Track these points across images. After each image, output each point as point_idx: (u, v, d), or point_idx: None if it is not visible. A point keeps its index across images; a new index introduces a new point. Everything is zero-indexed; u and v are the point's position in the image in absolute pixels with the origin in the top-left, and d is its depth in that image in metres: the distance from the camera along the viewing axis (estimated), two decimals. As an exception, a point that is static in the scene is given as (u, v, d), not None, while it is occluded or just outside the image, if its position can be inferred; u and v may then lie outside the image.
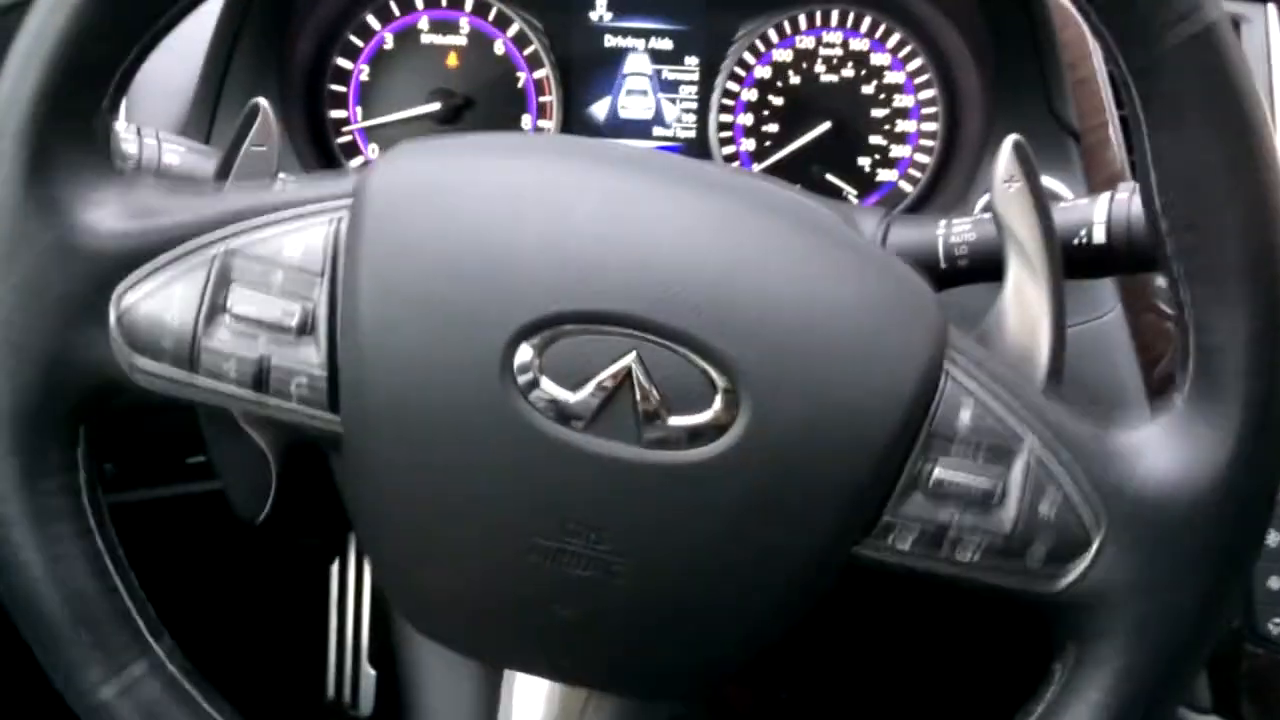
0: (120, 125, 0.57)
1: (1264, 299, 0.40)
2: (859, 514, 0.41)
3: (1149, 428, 0.43)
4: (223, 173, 0.51)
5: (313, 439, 0.44)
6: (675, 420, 0.40)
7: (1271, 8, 0.74)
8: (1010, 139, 0.48)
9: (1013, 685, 0.47)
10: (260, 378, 0.42)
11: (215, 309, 0.42)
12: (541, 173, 0.42)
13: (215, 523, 0.68)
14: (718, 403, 0.40)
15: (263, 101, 0.51)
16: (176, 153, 0.57)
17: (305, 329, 0.42)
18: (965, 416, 0.41)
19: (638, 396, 0.40)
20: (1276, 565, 0.66)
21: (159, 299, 0.42)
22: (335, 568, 1.21)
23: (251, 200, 0.43)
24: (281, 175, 0.61)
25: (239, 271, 0.42)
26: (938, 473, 0.41)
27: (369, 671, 1.21)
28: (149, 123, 0.64)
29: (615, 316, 0.40)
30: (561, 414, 0.40)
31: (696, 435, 0.40)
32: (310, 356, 0.42)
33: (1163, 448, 0.42)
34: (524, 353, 0.40)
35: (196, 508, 0.69)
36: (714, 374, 0.40)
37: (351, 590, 1.22)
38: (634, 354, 0.40)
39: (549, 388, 0.40)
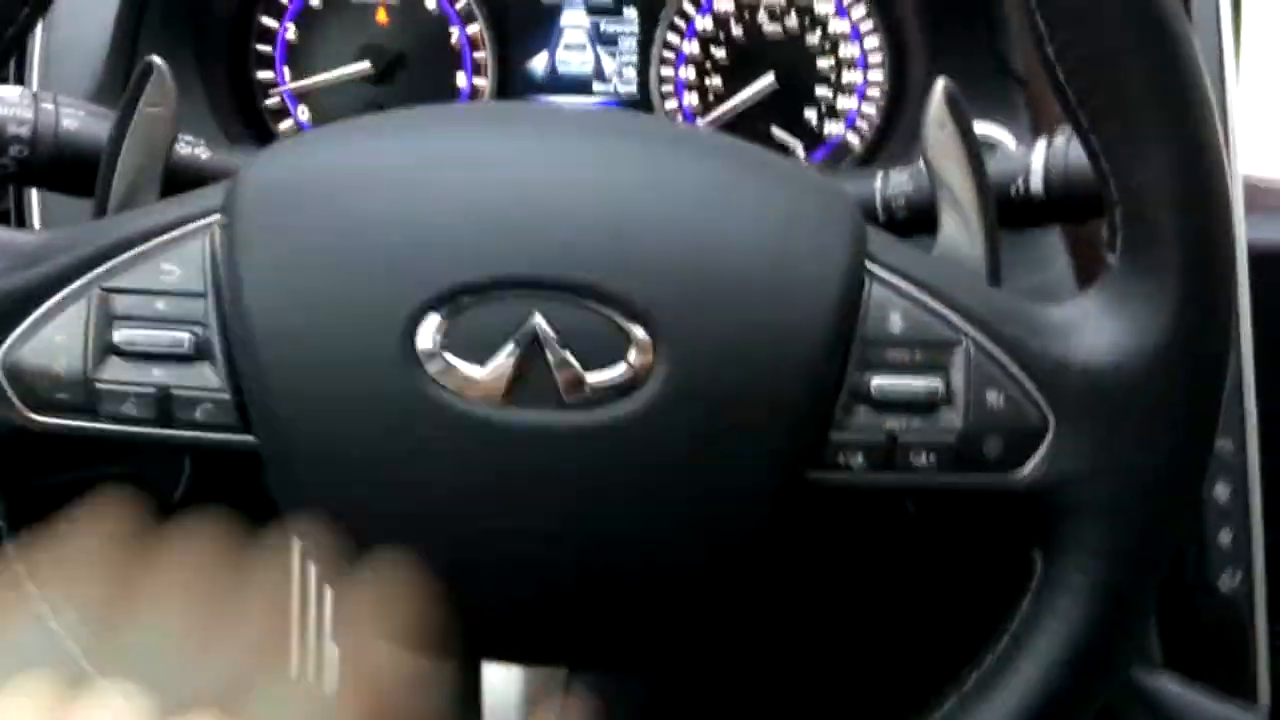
0: (13, 91, 0.54)
1: (1177, 124, 0.38)
2: (803, 438, 0.40)
3: (1087, 297, 0.41)
4: (117, 136, 0.49)
5: (231, 458, 0.43)
6: (594, 377, 0.39)
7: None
8: (940, 82, 0.47)
9: (993, 591, 0.45)
10: (164, 410, 0.40)
11: (103, 349, 0.40)
12: (408, 148, 0.40)
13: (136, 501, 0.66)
14: (634, 352, 0.38)
15: (157, 60, 0.48)
16: (75, 117, 0.55)
17: (200, 352, 0.40)
18: (896, 318, 0.40)
19: (550, 359, 0.38)
20: (1227, 520, 0.65)
21: (44, 350, 0.40)
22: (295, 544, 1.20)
23: (120, 231, 0.41)
24: (185, 138, 0.58)
25: (120, 306, 0.40)
26: (877, 381, 0.40)
27: (332, 649, 1.20)
28: (61, 87, 0.61)
29: (509, 280, 0.38)
30: (475, 390, 0.39)
31: (618, 388, 0.39)
32: (210, 379, 0.40)
33: (1104, 315, 0.40)
34: (425, 334, 0.38)
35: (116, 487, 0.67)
36: (623, 321, 0.38)
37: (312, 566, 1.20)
38: (539, 315, 0.38)
39: (458, 365, 0.38)
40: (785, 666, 0.69)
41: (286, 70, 0.79)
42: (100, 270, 0.40)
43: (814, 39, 0.80)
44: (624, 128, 0.42)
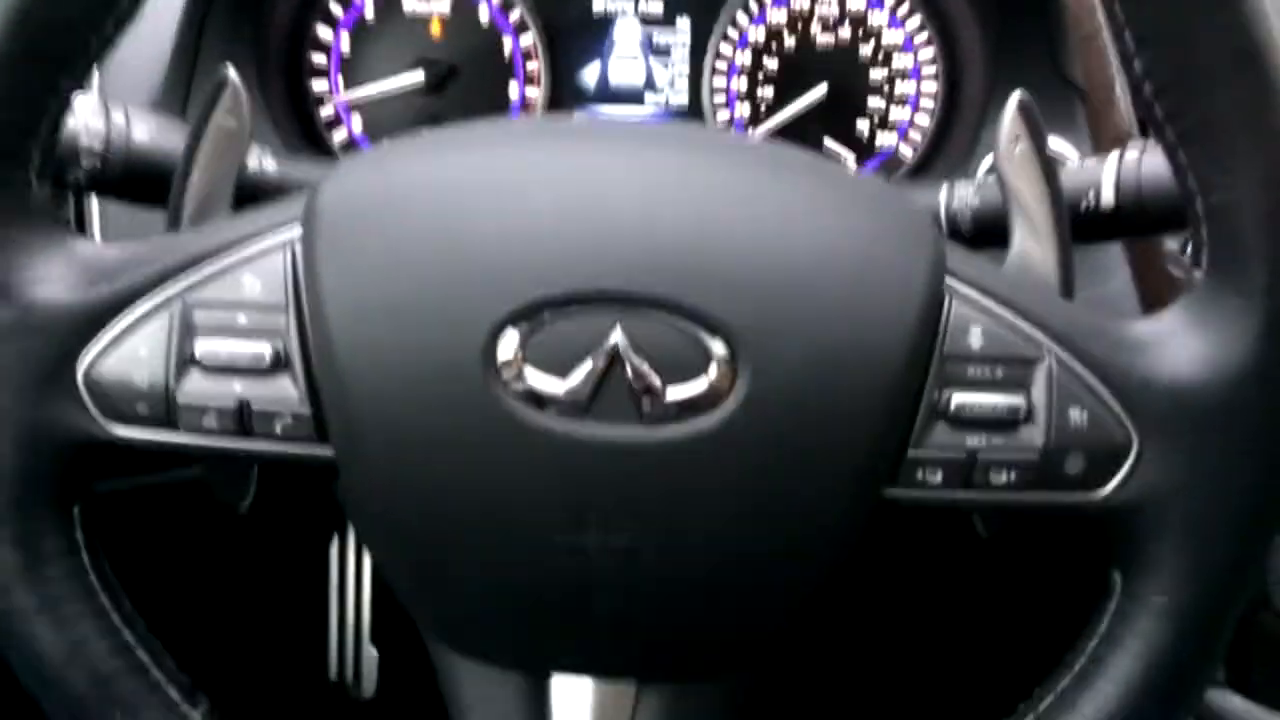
0: (88, 101, 0.55)
1: (1266, 145, 0.37)
2: (882, 455, 0.40)
3: (1172, 312, 0.41)
4: (192, 147, 0.49)
5: (308, 470, 0.43)
6: (674, 392, 0.38)
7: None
8: (1015, 96, 0.46)
9: (1065, 612, 0.45)
10: (243, 423, 0.40)
11: (184, 362, 0.40)
12: (489, 162, 0.40)
13: (205, 509, 0.66)
14: (714, 367, 0.38)
15: (231, 72, 0.48)
16: (146, 129, 0.55)
17: (279, 365, 0.40)
18: (976, 334, 0.40)
19: (629, 374, 0.38)
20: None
21: (125, 362, 0.40)
22: (334, 547, 1.20)
23: (201, 244, 0.41)
24: (256, 149, 0.59)
25: (201, 319, 0.40)
26: (958, 398, 0.40)
27: (371, 652, 1.20)
28: (123, 97, 0.62)
29: (590, 294, 0.38)
30: (556, 404, 0.39)
31: (698, 404, 0.38)
32: (289, 392, 0.40)
33: (1189, 331, 0.40)
34: (506, 348, 0.38)
35: (187, 494, 0.68)
36: (704, 337, 0.38)
37: (351, 569, 1.20)
38: (619, 329, 0.38)
39: (538, 380, 0.38)
40: (858, 683, 0.69)
41: (340, 80, 0.79)
42: (182, 283, 0.41)
43: (867, 50, 0.79)
44: (704, 143, 0.42)
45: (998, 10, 0.73)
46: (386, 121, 0.80)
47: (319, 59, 0.79)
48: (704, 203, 0.39)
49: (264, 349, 0.40)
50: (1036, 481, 0.40)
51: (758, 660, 0.46)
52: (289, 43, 0.78)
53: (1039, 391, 0.40)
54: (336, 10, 0.78)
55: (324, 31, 0.79)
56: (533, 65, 0.80)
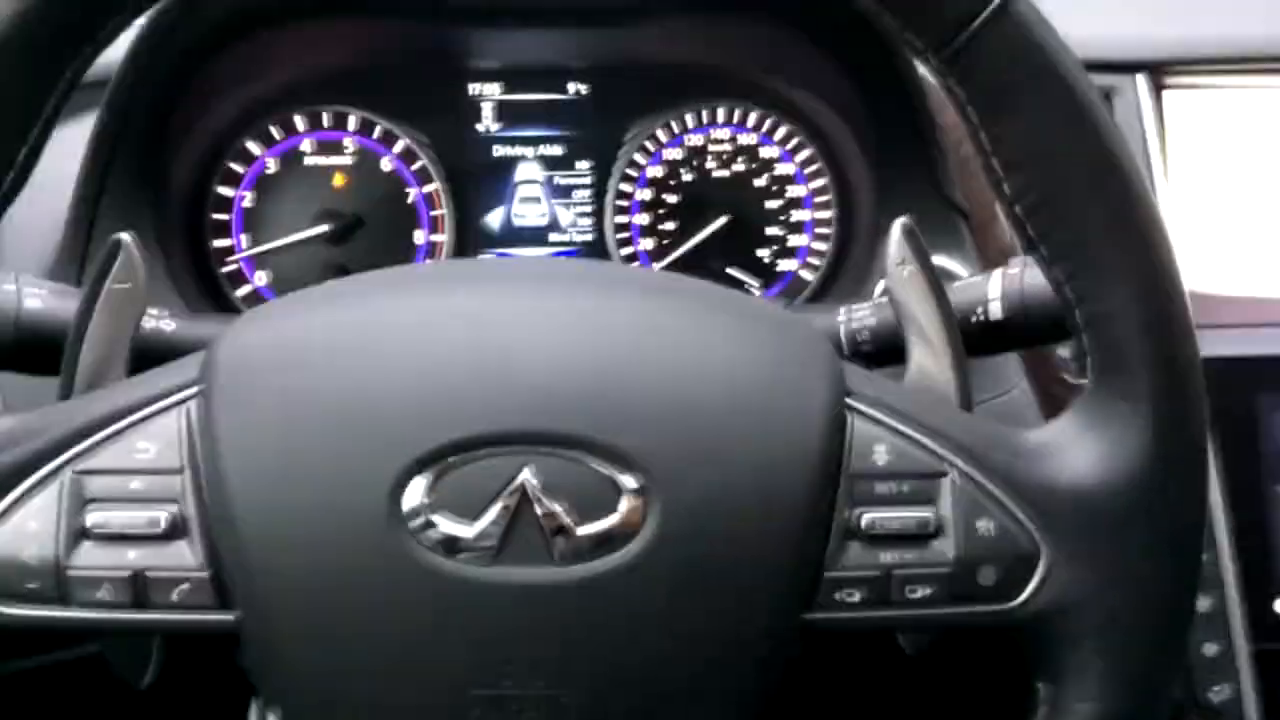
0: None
1: (1136, 251, 0.39)
2: (799, 578, 0.40)
3: (1065, 418, 0.42)
4: (84, 314, 0.48)
5: (209, 641, 0.41)
6: (585, 529, 0.38)
7: (1141, 78, 0.76)
8: (899, 222, 0.48)
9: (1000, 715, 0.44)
10: (139, 594, 0.39)
11: (75, 533, 0.39)
12: (386, 310, 0.41)
13: (107, 686, 0.63)
14: (625, 501, 0.38)
15: (125, 237, 0.48)
16: (38, 296, 0.54)
17: (175, 530, 0.39)
18: (881, 452, 0.40)
19: (540, 513, 0.38)
20: (1208, 632, 0.65)
21: (13, 538, 0.39)
22: None
23: (91, 411, 0.40)
24: (152, 311, 0.58)
25: (93, 488, 0.39)
26: (868, 516, 0.40)
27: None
28: (16, 264, 0.61)
29: (496, 436, 0.38)
30: (466, 550, 0.38)
31: (611, 539, 0.38)
32: (187, 558, 0.39)
33: (1084, 437, 0.41)
34: (412, 496, 0.38)
35: (83, 672, 0.64)
36: (614, 472, 0.38)
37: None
38: (527, 470, 0.38)
39: (447, 525, 0.38)
40: None
41: (245, 237, 0.80)
42: (72, 453, 0.39)
43: (762, 181, 0.82)
44: (602, 277, 0.43)
45: (880, 141, 0.77)
46: (292, 274, 0.80)
47: (221, 216, 0.79)
48: (606, 337, 0.39)
49: (159, 514, 0.39)
50: (952, 594, 0.40)
51: None
52: (190, 202, 0.78)
53: (946, 505, 0.40)
54: (238, 168, 0.79)
55: (225, 189, 0.79)
56: (437, 212, 0.81)
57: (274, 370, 0.39)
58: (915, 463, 0.40)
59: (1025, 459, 0.41)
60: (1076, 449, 0.41)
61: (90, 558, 0.39)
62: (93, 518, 0.39)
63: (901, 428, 0.41)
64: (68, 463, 0.39)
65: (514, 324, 0.40)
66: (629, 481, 0.38)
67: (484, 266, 0.44)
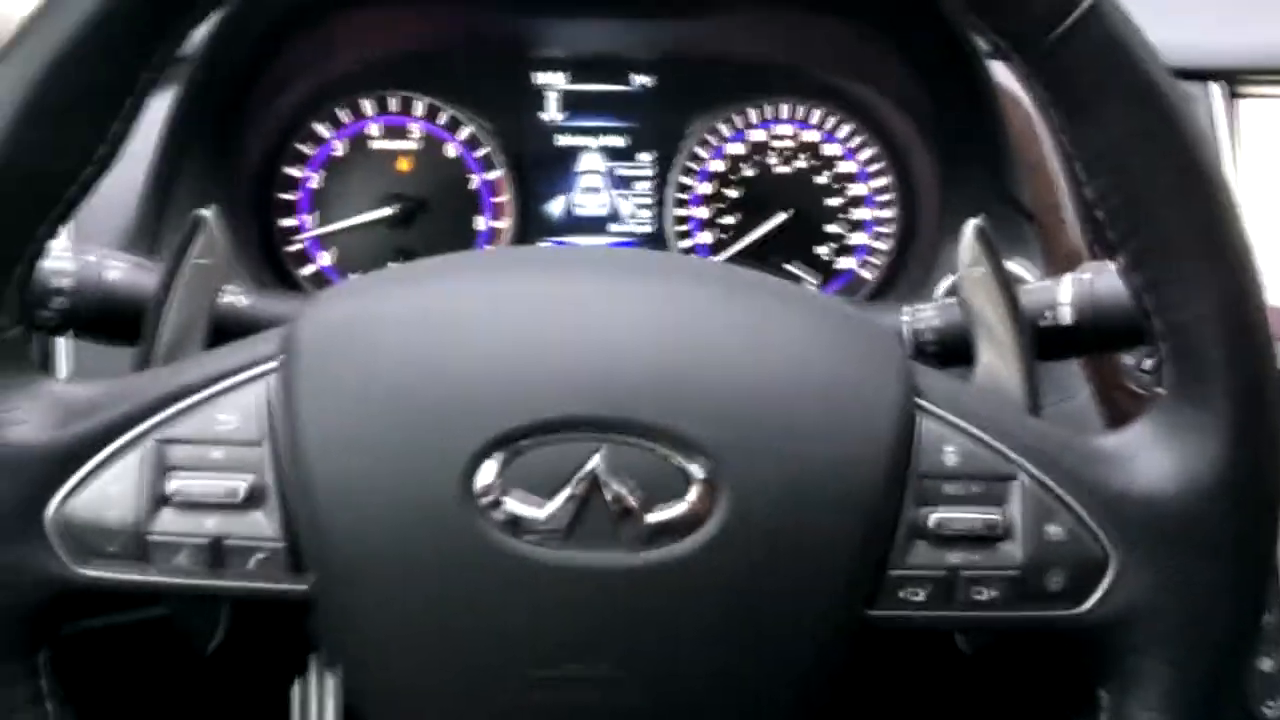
0: (58, 243, 0.55)
1: (1220, 261, 0.38)
2: (862, 574, 0.40)
3: (1140, 425, 0.41)
4: (166, 286, 0.49)
5: (280, 608, 0.42)
6: (653, 516, 0.38)
7: (1215, 87, 0.75)
8: (972, 223, 0.48)
9: None
10: (216, 560, 0.40)
11: (157, 500, 0.40)
12: (468, 292, 0.41)
13: (168, 650, 0.64)
14: (694, 490, 0.38)
15: (207, 213, 0.49)
16: (118, 269, 0.55)
17: (254, 500, 0.40)
18: (950, 453, 0.40)
19: (609, 499, 0.38)
20: (1268, 647, 0.64)
21: (96, 502, 0.40)
22: (296, 691, 1.16)
23: (175, 380, 0.41)
24: (229, 288, 0.59)
25: (174, 456, 0.40)
26: (935, 516, 0.40)
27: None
28: (94, 237, 0.62)
29: (569, 421, 0.38)
30: (535, 532, 0.38)
31: (678, 527, 0.38)
32: (264, 527, 0.40)
33: (1157, 443, 0.40)
34: (484, 476, 0.38)
35: (149, 635, 0.66)
36: (684, 460, 0.38)
37: (314, 714, 1.16)
38: (598, 455, 0.38)
39: (516, 507, 0.38)
40: None
41: (311, 217, 0.81)
42: (155, 420, 0.40)
43: (823, 179, 0.82)
44: (676, 268, 0.43)
45: (948, 141, 0.76)
46: (356, 255, 0.81)
47: (288, 196, 0.80)
48: (680, 327, 0.40)
49: (238, 484, 0.40)
50: (1018, 598, 0.40)
51: None
52: (259, 181, 0.80)
53: (1015, 508, 0.40)
54: (306, 149, 0.80)
55: (293, 170, 0.80)
56: (499, 199, 0.82)
57: (354, 347, 0.40)
58: (985, 464, 0.40)
59: (1097, 464, 0.41)
60: (1150, 456, 0.40)
61: (170, 524, 0.40)
62: (173, 485, 0.40)
63: (971, 429, 0.41)
64: (150, 430, 0.40)
65: (591, 310, 0.40)
66: (698, 471, 0.38)
67: (560, 253, 0.44)
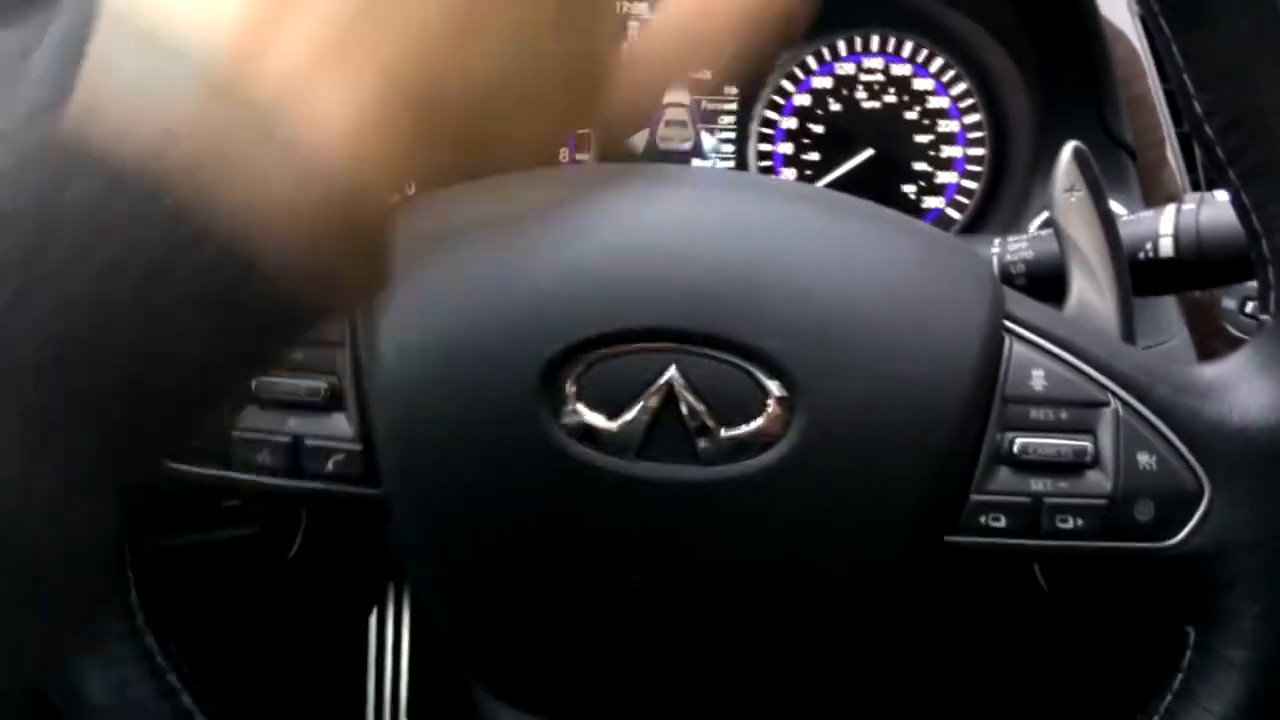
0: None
1: None
2: (943, 498, 0.39)
3: (1241, 355, 0.40)
4: None
5: (356, 512, 0.42)
6: (728, 431, 0.38)
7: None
8: (1070, 145, 0.46)
9: (1135, 670, 0.43)
10: (296, 460, 0.40)
11: (240, 397, 0.40)
12: (545, 203, 0.41)
13: (249, 570, 0.66)
14: (771, 405, 0.38)
15: None
16: None
17: (334, 401, 0.40)
18: (1039, 377, 0.39)
19: (685, 412, 0.38)
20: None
21: None
22: (373, 618, 1.19)
23: None
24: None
25: None
26: (1021, 442, 0.39)
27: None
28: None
29: (644, 331, 0.38)
30: (609, 443, 0.38)
31: (753, 443, 0.38)
32: (343, 429, 0.40)
33: (1259, 375, 0.39)
34: (561, 383, 0.38)
35: (229, 554, 0.68)
36: (759, 376, 0.38)
37: (390, 641, 1.19)
38: (674, 368, 0.38)
39: (592, 417, 0.38)
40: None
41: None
42: None
43: (912, 115, 0.80)
44: (760, 186, 0.43)
45: (1045, 74, 0.74)
46: (437, 186, 0.81)
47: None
48: (760, 241, 0.39)
49: (319, 385, 0.40)
50: (1105, 529, 0.39)
51: (818, 705, 0.44)
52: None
53: (1105, 436, 0.39)
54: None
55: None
56: (583, 130, 0.81)
57: (433, 255, 0.40)
58: (1075, 390, 0.39)
59: (1193, 395, 0.39)
60: (1249, 387, 0.39)
61: (254, 421, 0.40)
62: (259, 382, 0.40)
63: (1062, 354, 0.39)
64: None
65: (668, 222, 0.39)
66: (775, 386, 0.38)
67: (643, 169, 0.43)
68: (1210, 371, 0.40)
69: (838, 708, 0.44)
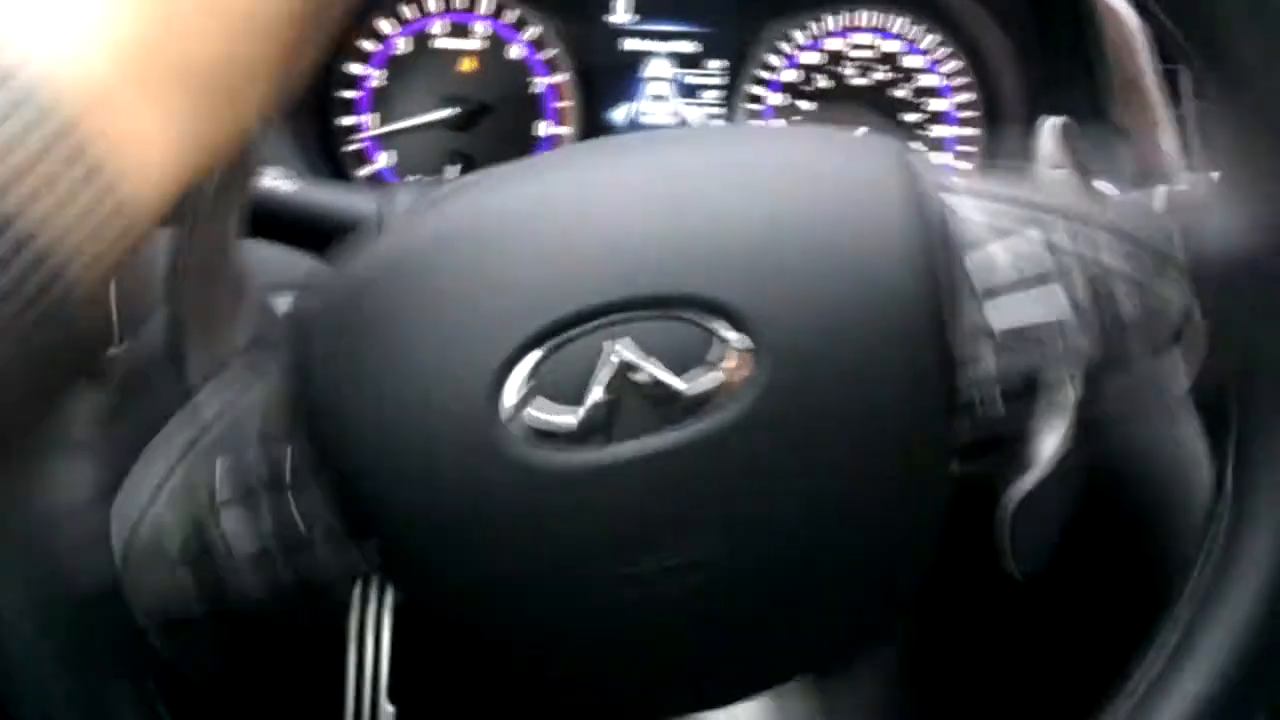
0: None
1: None
2: (932, 391, 0.37)
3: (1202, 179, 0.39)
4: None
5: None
6: (692, 388, 0.36)
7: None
8: (1053, 120, 0.44)
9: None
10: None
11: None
12: (457, 218, 0.38)
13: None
14: (726, 351, 0.35)
15: None
16: None
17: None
18: (998, 251, 0.38)
19: (644, 380, 0.36)
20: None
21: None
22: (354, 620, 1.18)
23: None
24: (271, 171, 0.58)
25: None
26: (997, 320, 0.38)
27: (387, 709, 1.17)
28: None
29: (582, 314, 0.35)
30: (579, 436, 0.36)
31: (720, 393, 0.35)
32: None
33: (1227, 198, 0.37)
34: (509, 396, 0.36)
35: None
36: (708, 324, 0.35)
37: (371, 620, 1.18)
38: (622, 343, 0.36)
39: (554, 418, 0.36)
40: (940, 668, 0.64)
41: (371, 117, 0.79)
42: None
43: (903, 93, 0.78)
44: (656, 137, 0.40)
45: (1038, 54, 0.72)
46: (415, 158, 0.79)
47: (349, 94, 0.79)
48: (671, 191, 0.36)
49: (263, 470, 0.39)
50: (1110, 383, 0.38)
51: (846, 649, 0.42)
52: (319, 79, 0.78)
53: (1081, 290, 0.38)
54: (369, 46, 0.78)
55: (355, 67, 0.78)
56: (563, 104, 0.79)
57: (350, 328, 0.37)
58: (1034, 252, 0.37)
59: (1169, 223, 0.38)
60: (1219, 209, 0.37)
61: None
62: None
63: (1005, 209, 0.38)
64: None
65: (578, 205, 0.36)
66: (725, 330, 0.35)
67: (553, 156, 0.40)
68: (1186, 191, 0.39)
69: (870, 644, 0.42)
